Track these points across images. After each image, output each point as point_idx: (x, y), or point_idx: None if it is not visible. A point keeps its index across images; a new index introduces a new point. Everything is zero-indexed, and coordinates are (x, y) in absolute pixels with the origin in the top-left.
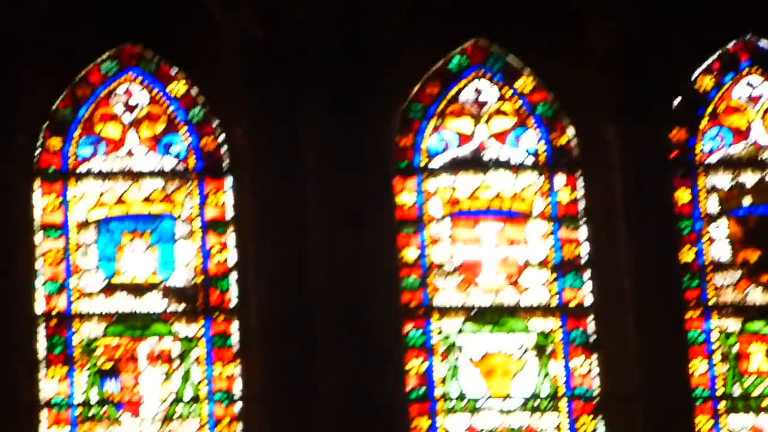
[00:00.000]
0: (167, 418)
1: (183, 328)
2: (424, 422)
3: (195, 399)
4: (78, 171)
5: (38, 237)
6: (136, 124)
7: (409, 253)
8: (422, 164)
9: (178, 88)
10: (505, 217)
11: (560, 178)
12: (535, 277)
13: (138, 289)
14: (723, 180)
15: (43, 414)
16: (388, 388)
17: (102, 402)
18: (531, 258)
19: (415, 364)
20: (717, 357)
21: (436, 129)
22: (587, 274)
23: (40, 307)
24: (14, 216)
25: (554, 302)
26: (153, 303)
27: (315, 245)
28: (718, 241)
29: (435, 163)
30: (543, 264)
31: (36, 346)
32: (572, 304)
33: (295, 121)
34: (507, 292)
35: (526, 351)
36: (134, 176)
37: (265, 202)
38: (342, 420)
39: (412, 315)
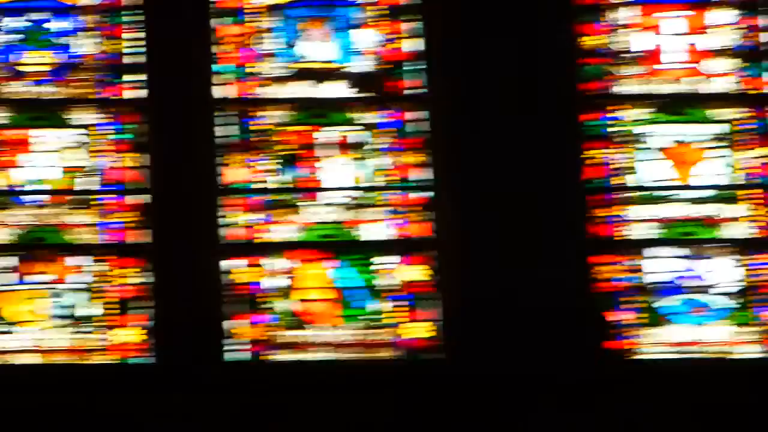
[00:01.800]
0: (354, 205)
1: (364, 116)
2: (602, 212)
3: (376, 187)
4: None
5: (215, 21)
6: None
7: (588, 40)
8: None
9: None
10: (687, 3)
11: None
12: (718, 66)
13: (319, 76)
14: None
15: (225, 200)
16: (566, 178)
17: (282, 189)
18: (714, 45)
19: (592, 154)
20: None
21: None
22: None
23: (219, 92)
24: (194, 1)
25: (738, 90)
26: (334, 90)
27: (494, 31)
28: None
29: None
30: (726, 52)
31: (216, 132)
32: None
33: None
34: (690, 80)
35: (709, 140)
36: None
37: None
38: (528, 212)
39: (591, 103)
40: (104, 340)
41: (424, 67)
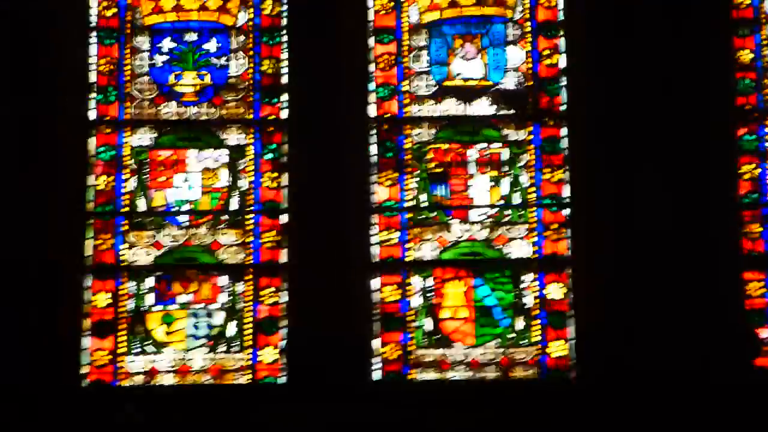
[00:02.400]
0: (496, 223)
1: (512, 133)
2: (756, 227)
3: (524, 204)
4: None
5: (371, 41)
6: None
7: (745, 55)
8: None
9: None
10: None
11: None
12: None
13: (468, 93)
14: None
15: (375, 218)
16: (719, 193)
17: (432, 206)
18: None
19: (748, 169)
20: None
21: None
22: None
23: (372, 111)
24: (348, 19)
25: None
26: (483, 107)
27: (645, 46)
28: None
29: None
30: None
31: (369, 151)
32: None
33: None
34: None
35: None
36: None
37: (595, 3)
38: (676, 228)
39: (747, 118)
40: (249, 359)
41: (565, 84)
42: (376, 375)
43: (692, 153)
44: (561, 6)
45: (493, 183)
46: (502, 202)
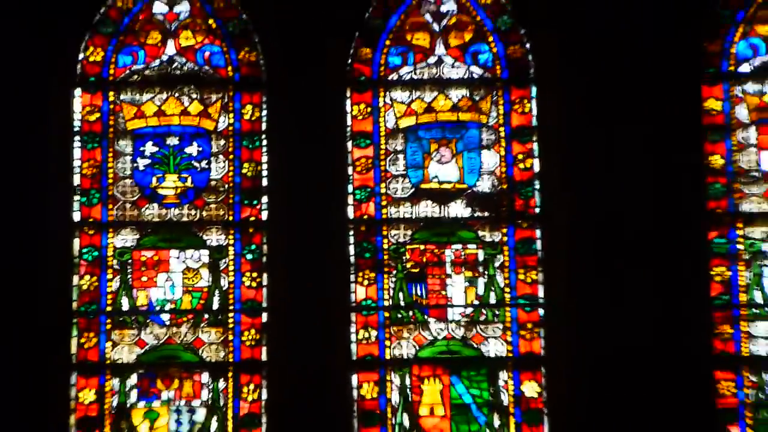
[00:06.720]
0: (472, 323)
1: (487, 235)
2: (727, 328)
3: (499, 304)
4: (387, 79)
5: (349, 145)
6: (444, 32)
7: (716, 160)
8: (730, 70)
9: None
10: None
11: None
12: None
13: (444, 196)
14: None
15: (353, 317)
16: (693, 295)
17: (409, 306)
18: None
19: (719, 271)
20: None
21: (744, 35)
22: None
23: (350, 212)
24: (327, 124)
25: None
26: (458, 209)
27: (620, 151)
28: None
29: (743, 69)
30: None
31: (347, 251)
32: None
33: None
34: None
35: None
36: (441, 85)
37: (570, 111)
38: (649, 329)
39: (718, 222)
40: None
41: (538, 187)
42: None
43: (666, 254)
44: (534, 112)
45: (468, 283)
46: (477, 301)
